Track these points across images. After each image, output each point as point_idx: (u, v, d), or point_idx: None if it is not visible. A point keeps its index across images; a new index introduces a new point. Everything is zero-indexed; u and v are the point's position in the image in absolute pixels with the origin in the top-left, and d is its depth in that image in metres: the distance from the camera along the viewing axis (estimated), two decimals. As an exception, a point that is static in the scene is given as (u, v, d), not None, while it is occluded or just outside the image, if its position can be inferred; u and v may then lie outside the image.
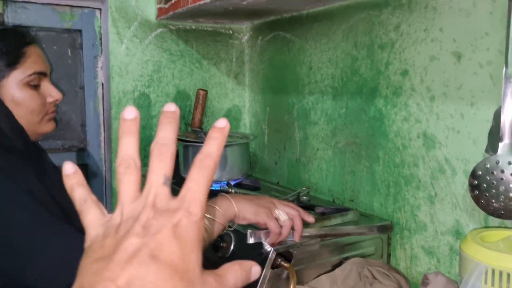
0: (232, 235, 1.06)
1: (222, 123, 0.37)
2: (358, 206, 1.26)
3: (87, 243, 0.36)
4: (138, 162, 0.37)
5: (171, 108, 0.38)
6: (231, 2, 1.23)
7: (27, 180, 0.87)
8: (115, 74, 1.55)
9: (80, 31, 1.56)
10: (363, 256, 1.07)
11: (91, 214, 0.37)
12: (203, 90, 1.64)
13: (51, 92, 1.01)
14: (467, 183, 0.97)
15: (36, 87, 0.98)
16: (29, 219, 0.81)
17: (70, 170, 0.38)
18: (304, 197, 1.34)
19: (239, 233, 1.05)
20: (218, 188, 1.40)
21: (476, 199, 0.85)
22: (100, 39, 1.59)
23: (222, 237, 1.07)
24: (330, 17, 1.32)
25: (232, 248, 1.05)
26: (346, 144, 1.30)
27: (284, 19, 1.53)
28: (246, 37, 1.76)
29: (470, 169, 0.96)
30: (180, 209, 0.34)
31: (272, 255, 0.94)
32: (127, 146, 0.37)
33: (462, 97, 0.96)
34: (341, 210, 1.16)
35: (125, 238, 0.33)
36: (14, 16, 1.46)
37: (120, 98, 1.57)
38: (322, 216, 1.12)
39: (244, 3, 1.23)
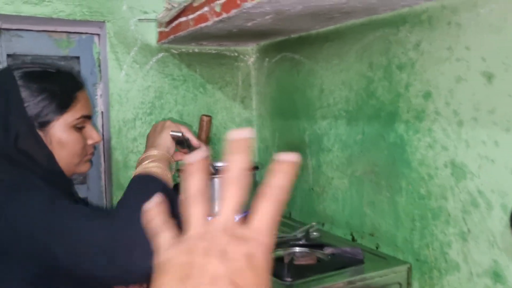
0: None
1: (291, 157, 0.37)
2: (379, 241, 1.15)
3: (160, 258, 0.37)
4: (207, 194, 0.39)
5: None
6: (235, 24, 1.14)
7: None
8: (115, 102, 1.47)
9: (77, 58, 1.48)
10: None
11: (164, 235, 0.38)
12: (207, 116, 1.55)
13: (93, 135, 1.02)
14: (505, 218, 0.86)
15: (80, 129, 0.99)
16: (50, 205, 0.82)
17: (151, 206, 0.41)
18: (315, 233, 1.23)
19: None
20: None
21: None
22: (99, 66, 1.51)
23: None
24: (342, 37, 1.23)
25: None
26: (364, 173, 1.19)
27: (291, 39, 1.45)
28: (252, 59, 1.68)
29: (509, 203, 0.85)
30: (252, 239, 0.35)
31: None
32: (197, 182, 0.39)
33: (495, 122, 0.86)
34: (352, 253, 1.04)
35: (206, 260, 0.34)
36: (8, 45, 1.39)
37: (120, 127, 1.48)
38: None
39: (249, 24, 1.14)
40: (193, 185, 0.39)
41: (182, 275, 0.34)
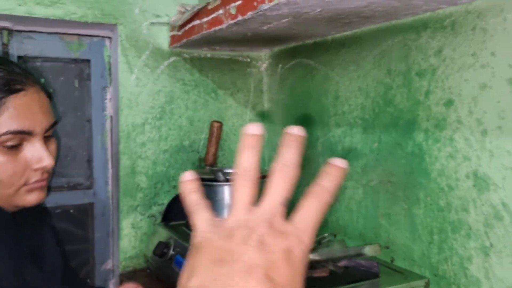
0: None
1: (342, 162, 0.37)
2: (394, 254, 1.11)
3: (197, 238, 0.36)
4: (256, 176, 0.37)
5: (297, 131, 0.38)
6: (250, 28, 1.12)
7: None
8: (125, 106, 1.44)
9: (88, 61, 1.46)
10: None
11: (202, 215, 0.37)
12: (217, 122, 1.52)
13: (35, 157, 0.74)
14: (532, 233, 0.82)
15: (13, 149, 0.72)
16: None
17: (187, 177, 0.40)
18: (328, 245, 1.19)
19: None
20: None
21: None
22: (109, 69, 1.49)
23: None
24: (359, 42, 1.20)
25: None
26: (380, 183, 1.15)
27: (306, 45, 1.42)
28: (264, 65, 1.65)
29: (537, 217, 0.81)
30: (293, 235, 0.35)
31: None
32: (248, 159, 0.38)
33: (522, 132, 0.82)
34: (367, 266, 1.01)
35: (244, 248, 0.33)
36: (20, 47, 1.37)
37: (129, 132, 1.46)
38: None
39: (265, 28, 1.12)
40: (246, 161, 0.38)
41: (216, 257, 0.33)
